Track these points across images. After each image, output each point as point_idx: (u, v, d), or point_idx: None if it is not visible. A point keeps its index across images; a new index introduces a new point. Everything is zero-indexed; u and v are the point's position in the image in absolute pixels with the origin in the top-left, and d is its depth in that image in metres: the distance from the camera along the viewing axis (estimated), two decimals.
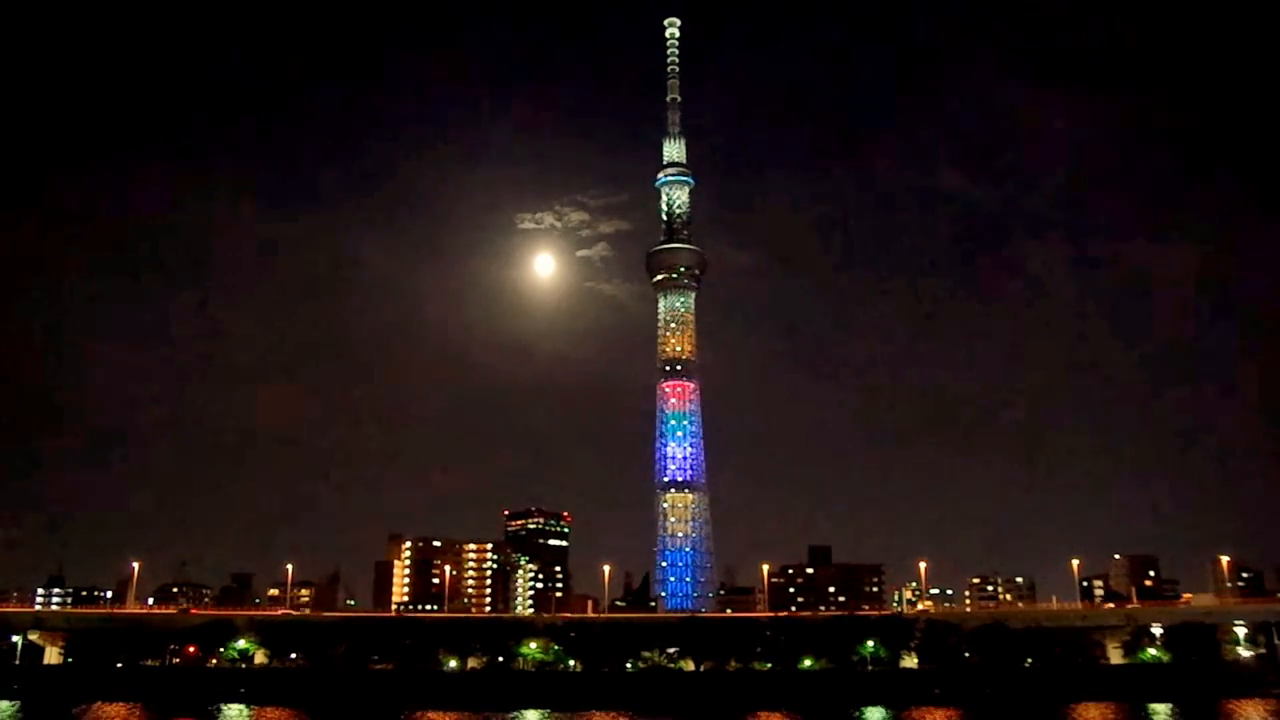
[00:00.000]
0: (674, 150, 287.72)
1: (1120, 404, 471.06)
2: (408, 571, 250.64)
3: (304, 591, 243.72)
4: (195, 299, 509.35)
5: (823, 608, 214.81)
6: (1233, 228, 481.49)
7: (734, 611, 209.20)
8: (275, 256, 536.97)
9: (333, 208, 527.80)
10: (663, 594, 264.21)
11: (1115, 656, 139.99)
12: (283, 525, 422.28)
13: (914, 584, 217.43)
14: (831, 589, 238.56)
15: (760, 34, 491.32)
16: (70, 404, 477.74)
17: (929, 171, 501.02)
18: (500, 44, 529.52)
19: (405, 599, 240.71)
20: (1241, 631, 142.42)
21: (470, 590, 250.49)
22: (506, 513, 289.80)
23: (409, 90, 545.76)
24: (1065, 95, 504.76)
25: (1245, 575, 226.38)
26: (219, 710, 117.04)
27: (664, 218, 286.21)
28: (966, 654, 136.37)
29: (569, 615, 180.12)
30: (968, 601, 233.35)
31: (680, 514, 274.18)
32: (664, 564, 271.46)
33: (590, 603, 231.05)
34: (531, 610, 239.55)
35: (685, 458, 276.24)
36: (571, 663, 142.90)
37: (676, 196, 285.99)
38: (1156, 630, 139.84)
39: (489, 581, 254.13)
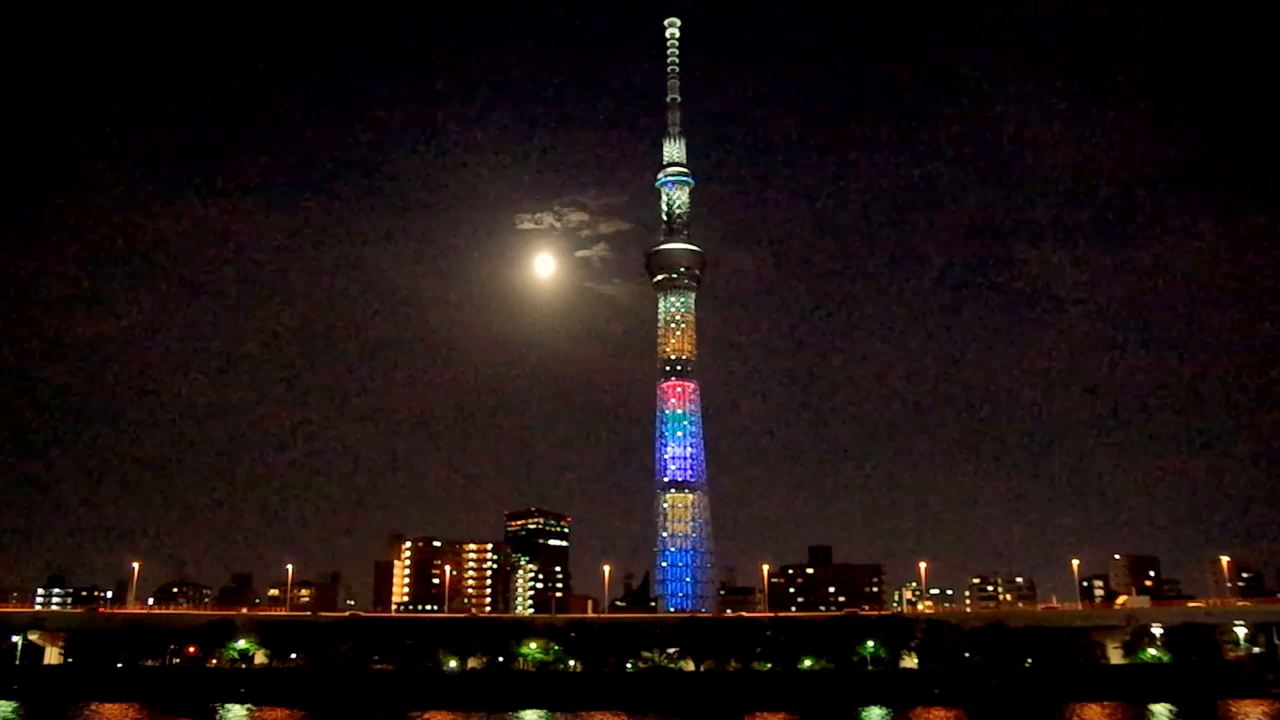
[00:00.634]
0: (674, 150, 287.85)
1: (1120, 404, 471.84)
2: (408, 571, 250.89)
3: (304, 591, 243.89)
4: (194, 299, 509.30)
5: (823, 608, 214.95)
6: (1234, 228, 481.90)
7: (734, 611, 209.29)
8: (275, 256, 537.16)
9: (333, 208, 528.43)
10: (663, 594, 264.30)
11: (1115, 656, 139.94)
12: (283, 525, 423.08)
13: (914, 584, 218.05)
14: (831, 589, 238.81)
15: (760, 34, 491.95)
16: (70, 404, 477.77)
17: (929, 171, 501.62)
18: (500, 44, 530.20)
19: (405, 599, 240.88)
20: (1241, 631, 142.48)
21: (470, 590, 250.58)
22: (506, 513, 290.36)
23: (409, 90, 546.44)
24: (1066, 95, 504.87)
25: (1245, 575, 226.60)
26: (219, 710, 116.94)
27: (664, 218, 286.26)
28: (966, 654, 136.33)
29: (569, 615, 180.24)
30: (968, 601, 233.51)
31: (680, 514, 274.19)
32: (664, 564, 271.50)
33: (590, 603, 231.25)
34: (531, 610, 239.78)
35: (685, 458, 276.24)
36: (571, 663, 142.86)
37: (676, 196, 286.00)
38: (1156, 630, 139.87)
39: (489, 582, 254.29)
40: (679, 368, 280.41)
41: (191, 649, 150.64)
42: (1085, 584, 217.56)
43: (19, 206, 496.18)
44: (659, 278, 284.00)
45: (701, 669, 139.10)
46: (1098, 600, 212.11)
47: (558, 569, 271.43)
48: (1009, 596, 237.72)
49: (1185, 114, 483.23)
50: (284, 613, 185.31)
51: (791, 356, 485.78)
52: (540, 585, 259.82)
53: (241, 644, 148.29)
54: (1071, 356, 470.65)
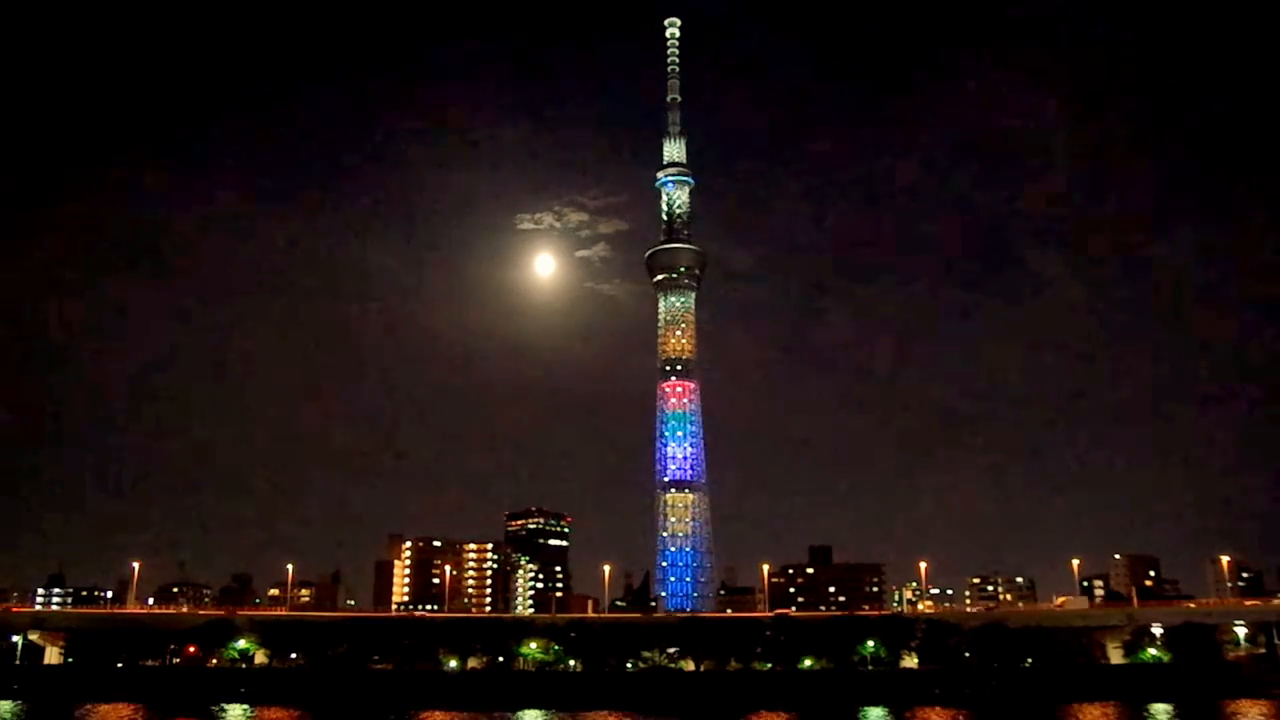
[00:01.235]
0: (674, 150, 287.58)
1: (1121, 404, 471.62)
2: (408, 571, 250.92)
3: (304, 591, 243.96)
4: (195, 299, 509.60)
5: (823, 608, 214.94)
6: (1234, 228, 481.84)
7: (734, 611, 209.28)
8: (275, 256, 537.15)
9: (333, 208, 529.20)
10: (663, 594, 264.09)
11: (1115, 656, 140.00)
12: (283, 525, 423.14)
13: (914, 584, 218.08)
14: (831, 589, 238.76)
15: (760, 34, 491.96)
16: (70, 404, 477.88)
17: (930, 172, 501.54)
18: (500, 44, 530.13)
19: (405, 599, 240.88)
20: (1241, 631, 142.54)
21: (470, 590, 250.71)
22: (506, 513, 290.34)
23: (409, 90, 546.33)
24: (1066, 95, 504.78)
25: (1245, 575, 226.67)
26: (219, 710, 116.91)
27: (664, 218, 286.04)
28: (967, 654, 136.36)
29: (569, 615, 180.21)
30: (968, 601, 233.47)
31: (680, 514, 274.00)
32: (664, 564, 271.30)
33: (590, 603, 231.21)
34: (531, 610, 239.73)
35: (685, 458, 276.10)
36: (572, 663, 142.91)
37: (677, 196, 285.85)
38: (1157, 630, 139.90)
39: (489, 581, 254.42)
40: (679, 368, 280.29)
41: (192, 649, 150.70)
42: (1085, 584, 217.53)
43: (19, 206, 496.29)
44: (659, 278, 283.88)
45: (701, 669, 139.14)
46: (1098, 600, 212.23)
47: (558, 569, 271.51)
48: (1009, 596, 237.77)
49: (1187, 114, 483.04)
50: (284, 612, 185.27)
51: (791, 356, 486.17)
52: (540, 585, 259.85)
53: (241, 644, 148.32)
54: (1071, 356, 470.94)
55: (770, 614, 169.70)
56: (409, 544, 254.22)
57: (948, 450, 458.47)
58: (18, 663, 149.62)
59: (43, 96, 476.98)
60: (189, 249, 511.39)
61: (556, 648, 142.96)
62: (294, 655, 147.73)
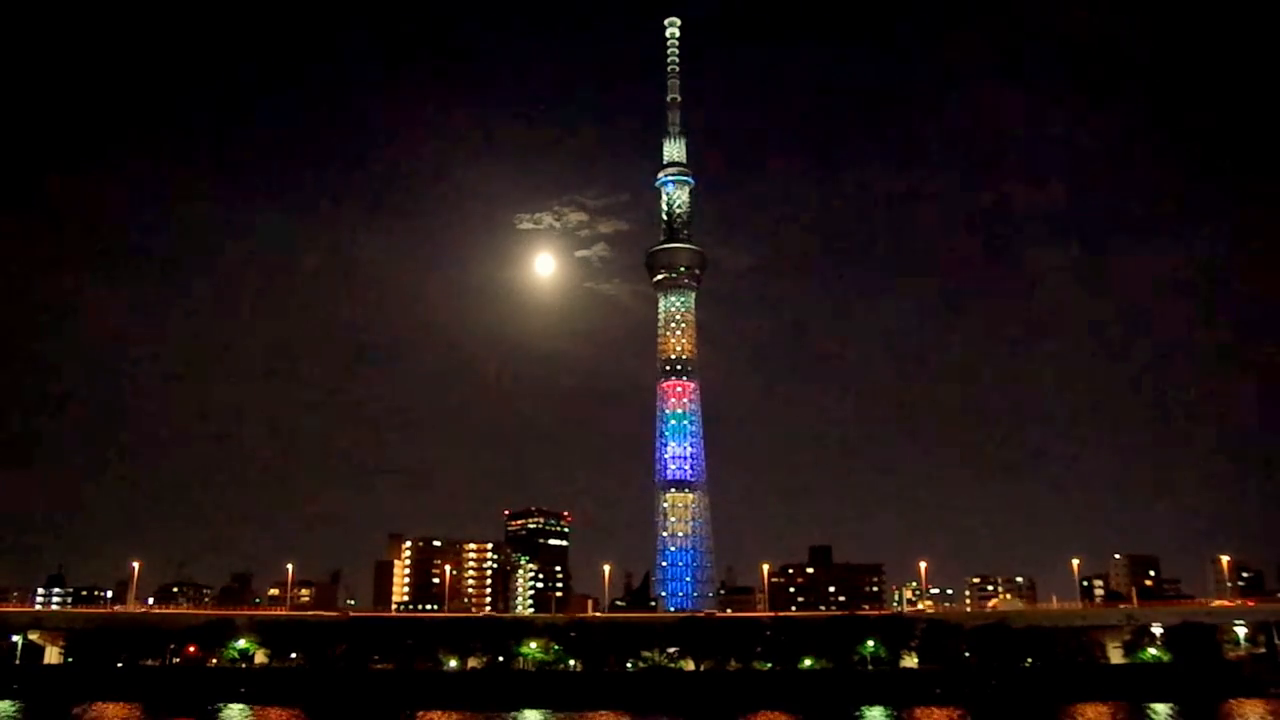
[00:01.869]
0: (674, 150, 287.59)
1: (1121, 404, 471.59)
2: (408, 571, 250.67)
3: (304, 591, 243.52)
4: (194, 299, 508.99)
5: (823, 608, 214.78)
6: (1233, 228, 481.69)
7: (734, 611, 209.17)
8: (275, 256, 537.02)
9: (332, 207, 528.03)
10: (663, 594, 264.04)
11: (1115, 656, 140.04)
12: (283, 525, 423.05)
13: (914, 584, 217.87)
14: (831, 589, 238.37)
15: (760, 34, 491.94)
16: (70, 403, 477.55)
17: (930, 172, 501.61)
18: (500, 44, 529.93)
19: (405, 599, 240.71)
20: (1241, 631, 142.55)
21: (470, 590, 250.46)
22: (506, 513, 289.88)
23: (408, 90, 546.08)
24: (1066, 95, 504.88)
25: (1245, 575, 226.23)
26: (219, 710, 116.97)
27: (664, 218, 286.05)
28: (967, 654, 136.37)
29: (569, 615, 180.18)
30: (968, 601, 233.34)
31: (680, 514, 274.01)
32: (664, 564, 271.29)
33: (590, 602, 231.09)
34: (531, 610, 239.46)
35: (685, 458, 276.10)
36: (572, 663, 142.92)
37: (676, 196, 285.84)
38: (1157, 630, 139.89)
39: (489, 581, 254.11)
40: (679, 367, 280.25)
41: (191, 649, 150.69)
42: (1085, 584, 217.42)
43: (19, 206, 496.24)
44: (659, 278, 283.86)
45: (701, 669, 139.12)
46: (1098, 600, 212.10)
47: (558, 568, 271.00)
48: (1009, 596, 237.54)
49: (1187, 114, 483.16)
50: (284, 612, 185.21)
51: (791, 356, 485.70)
52: (540, 585, 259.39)
53: (241, 644, 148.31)
54: (1071, 356, 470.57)
55: (770, 615, 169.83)
56: (409, 544, 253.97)
57: (948, 450, 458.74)
58: (17, 662, 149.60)
59: (37, 95, 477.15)
60: (188, 248, 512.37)
61: (556, 647, 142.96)
62: (294, 655, 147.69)
